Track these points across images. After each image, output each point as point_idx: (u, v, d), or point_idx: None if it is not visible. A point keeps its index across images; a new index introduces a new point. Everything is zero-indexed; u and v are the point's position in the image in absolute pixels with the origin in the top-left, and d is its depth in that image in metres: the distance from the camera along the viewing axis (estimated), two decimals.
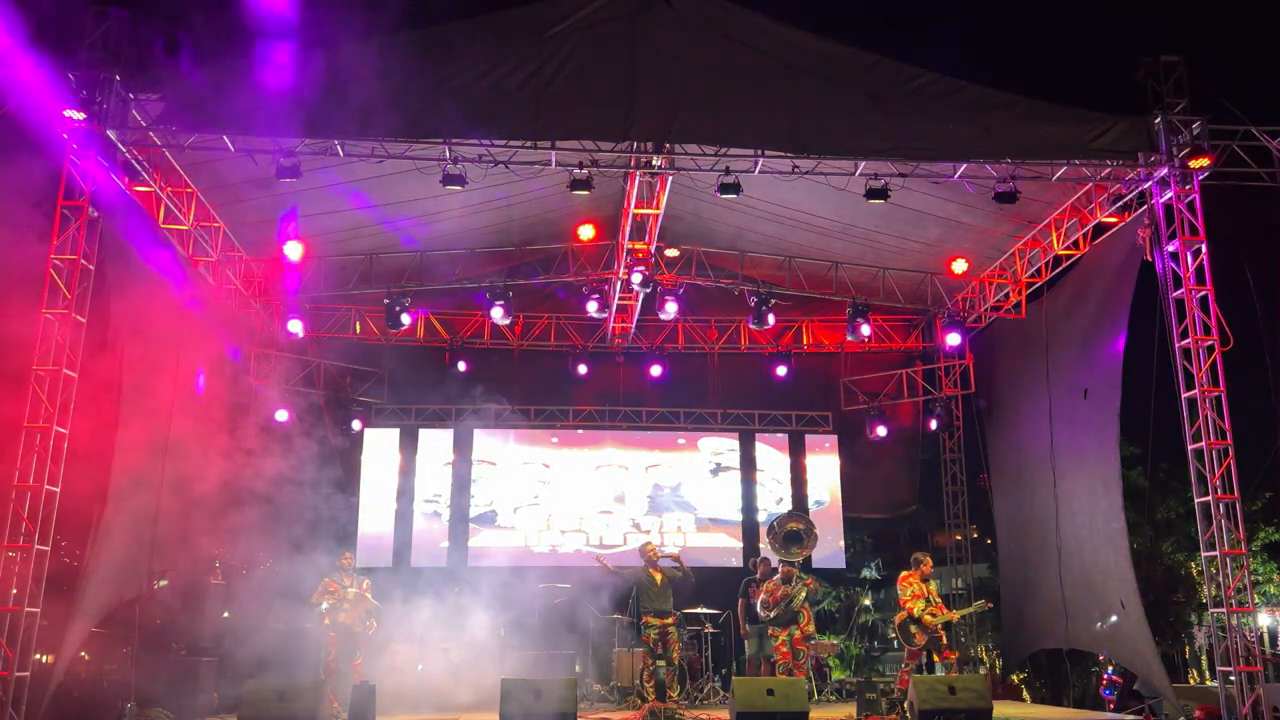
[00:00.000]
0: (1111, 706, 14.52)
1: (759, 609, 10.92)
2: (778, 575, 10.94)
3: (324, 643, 10.23)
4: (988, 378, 15.05)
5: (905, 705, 9.37)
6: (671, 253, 13.75)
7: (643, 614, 10.64)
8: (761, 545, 14.43)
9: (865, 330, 13.73)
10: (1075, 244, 11.97)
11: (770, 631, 10.85)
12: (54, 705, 9.17)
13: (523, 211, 12.80)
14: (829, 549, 15.85)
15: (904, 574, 10.28)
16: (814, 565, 15.50)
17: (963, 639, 14.72)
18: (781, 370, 15.11)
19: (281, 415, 13.90)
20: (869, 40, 10.28)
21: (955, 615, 10.43)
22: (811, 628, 10.85)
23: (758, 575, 12.22)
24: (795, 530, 11.31)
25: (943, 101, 9.94)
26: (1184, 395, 9.94)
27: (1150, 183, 10.30)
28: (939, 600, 10.27)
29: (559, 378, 15.28)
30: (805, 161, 10.20)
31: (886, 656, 14.56)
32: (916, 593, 10.07)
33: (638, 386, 15.74)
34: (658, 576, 10.65)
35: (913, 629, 10.03)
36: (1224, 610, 9.42)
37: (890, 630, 14.30)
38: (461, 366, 14.65)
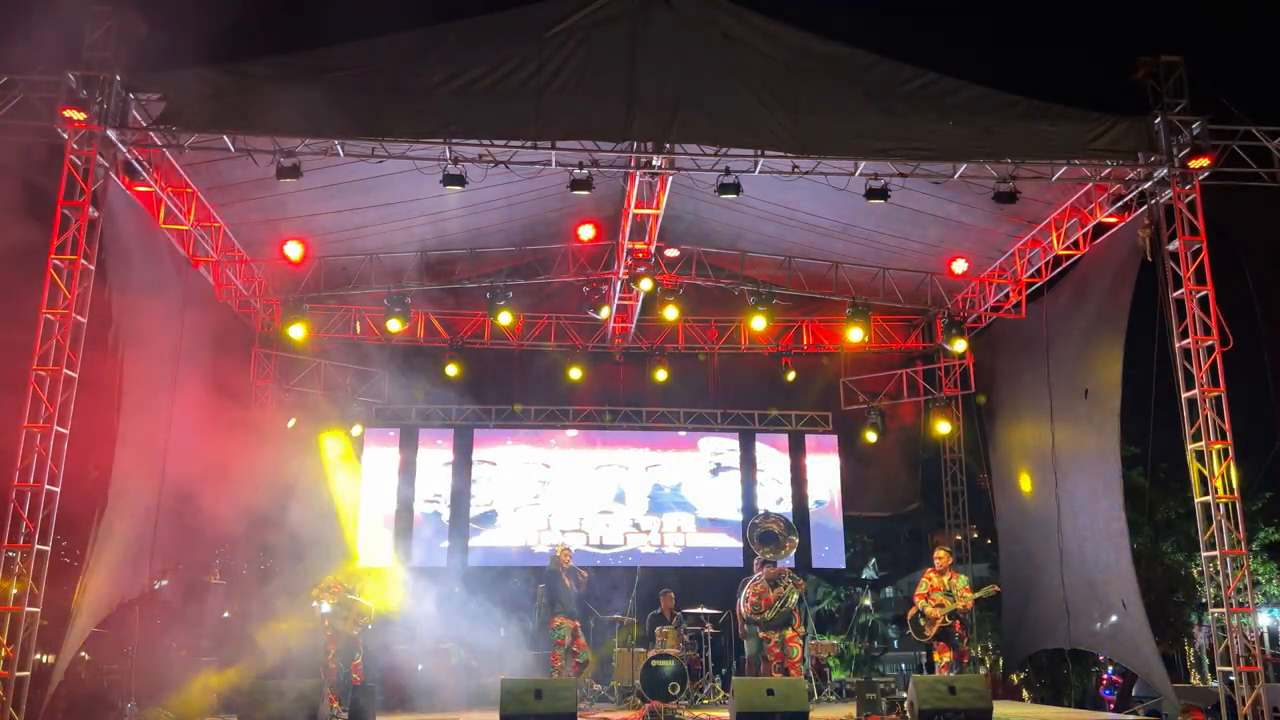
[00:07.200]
0: (1111, 706, 14.52)
1: (748, 612, 10.95)
2: (762, 577, 10.96)
3: (322, 643, 10.23)
4: (988, 378, 15.04)
5: (905, 705, 9.38)
6: (671, 253, 13.74)
7: (554, 616, 11.08)
8: None
9: (861, 335, 13.86)
10: (1075, 244, 11.95)
11: (762, 635, 10.88)
12: (54, 705, 9.16)
13: (523, 211, 12.81)
14: (829, 549, 15.86)
15: (926, 569, 10.84)
16: (814, 565, 15.53)
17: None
18: (782, 371, 15.10)
19: (290, 423, 13.96)
20: (869, 40, 10.29)
21: (969, 603, 10.55)
22: (804, 628, 10.97)
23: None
24: (771, 531, 11.47)
25: (943, 101, 9.95)
26: (1184, 395, 9.94)
27: (1150, 183, 10.31)
28: (962, 591, 10.44)
29: (559, 377, 15.29)
30: (805, 161, 10.20)
31: (886, 656, 14.56)
32: (928, 588, 10.53)
33: (638, 386, 15.74)
34: (568, 581, 11.18)
35: (921, 622, 10.49)
36: (1224, 610, 9.43)
37: (890, 630, 14.28)
38: (460, 367, 14.63)
